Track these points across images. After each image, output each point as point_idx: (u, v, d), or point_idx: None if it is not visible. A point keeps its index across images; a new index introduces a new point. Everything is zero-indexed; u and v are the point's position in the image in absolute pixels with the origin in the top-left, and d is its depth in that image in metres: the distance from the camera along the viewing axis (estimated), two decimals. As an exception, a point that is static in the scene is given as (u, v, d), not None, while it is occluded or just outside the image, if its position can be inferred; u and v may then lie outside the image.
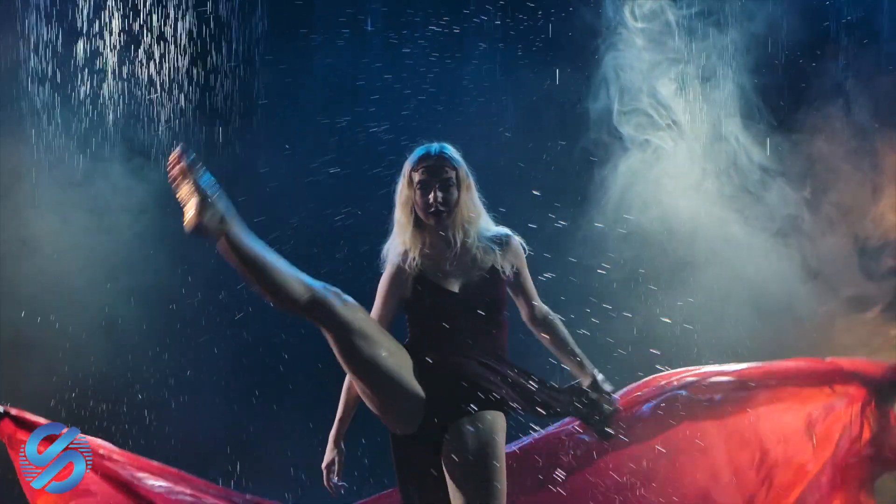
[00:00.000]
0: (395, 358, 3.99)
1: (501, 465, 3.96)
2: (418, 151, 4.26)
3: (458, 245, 4.22)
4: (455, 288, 4.20)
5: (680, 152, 6.80)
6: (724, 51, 6.81)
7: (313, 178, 7.12)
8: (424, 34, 7.25)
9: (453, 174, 4.21)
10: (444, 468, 3.97)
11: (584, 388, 4.38)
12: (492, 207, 4.43)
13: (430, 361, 4.08)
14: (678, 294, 6.96)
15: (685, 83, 6.83)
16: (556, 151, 7.10)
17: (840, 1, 6.82)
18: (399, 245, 4.28)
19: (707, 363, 6.82)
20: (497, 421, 4.03)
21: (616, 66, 6.83)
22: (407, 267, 4.24)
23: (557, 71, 7.07)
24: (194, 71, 7.09)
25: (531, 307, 4.50)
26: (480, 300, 4.20)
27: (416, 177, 4.21)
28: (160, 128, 7.11)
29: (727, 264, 6.85)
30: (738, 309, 6.84)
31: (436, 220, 4.21)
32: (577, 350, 4.49)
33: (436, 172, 4.20)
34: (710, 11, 6.80)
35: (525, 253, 4.39)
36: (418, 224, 4.25)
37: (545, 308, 4.53)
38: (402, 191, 4.27)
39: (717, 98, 6.83)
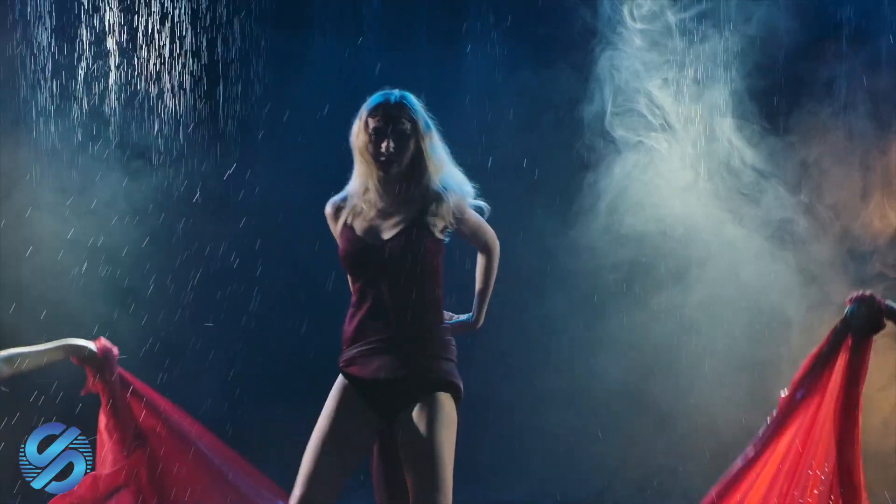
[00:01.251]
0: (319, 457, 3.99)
1: (444, 453, 3.92)
2: (376, 97, 4.06)
3: (399, 196, 4.06)
4: (378, 240, 4.04)
5: (674, 154, 6.81)
6: (719, 53, 6.83)
7: (307, 182, 7.14)
8: (421, 33, 7.26)
9: (409, 125, 4.02)
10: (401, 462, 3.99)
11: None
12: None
13: (367, 371, 4.04)
14: (673, 296, 6.99)
15: (680, 85, 6.85)
16: (551, 153, 7.11)
17: (835, 4, 6.84)
18: (349, 189, 4.15)
19: (702, 365, 6.91)
20: (439, 406, 3.99)
21: (612, 67, 6.84)
22: (332, 212, 4.14)
23: (553, 71, 7.06)
24: (193, 73, 7.11)
25: (479, 250, 4.25)
26: (403, 255, 4.00)
27: (372, 123, 4.02)
28: (160, 130, 7.13)
29: (721, 267, 6.87)
30: (731, 311, 6.86)
31: (385, 171, 4.02)
32: (482, 294, 4.27)
33: (391, 121, 4.01)
34: (707, 14, 6.81)
35: (473, 205, 4.14)
36: (369, 170, 4.08)
37: (490, 252, 4.25)
38: (357, 135, 4.07)
39: (713, 100, 6.85)
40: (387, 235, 4.04)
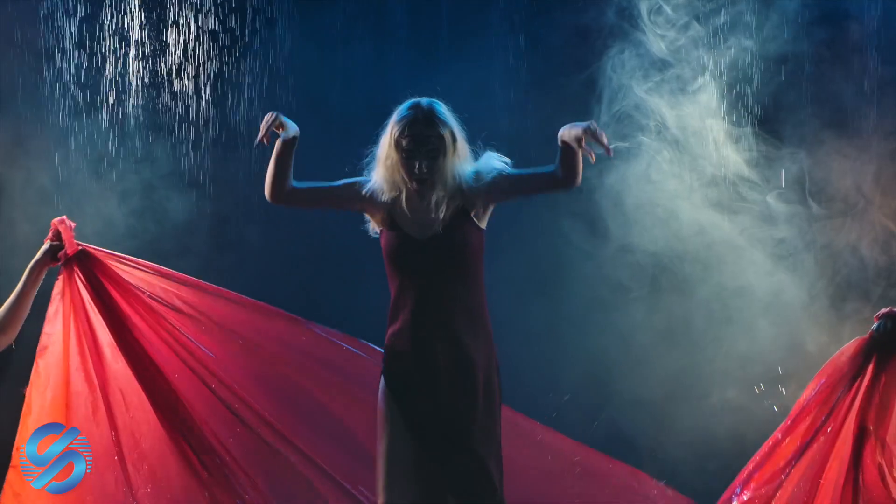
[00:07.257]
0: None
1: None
2: (406, 112, 4.21)
3: (434, 203, 4.21)
4: (422, 235, 4.22)
5: (676, 163, 6.82)
6: (725, 61, 6.83)
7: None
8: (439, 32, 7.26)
9: (438, 143, 4.17)
10: None
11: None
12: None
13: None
14: (675, 306, 6.99)
15: (682, 92, 6.84)
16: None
17: (842, 12, 6.82)
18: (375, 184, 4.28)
19: (704, 373, 6.90)
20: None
21: (613, 72, 6.83)
22: (370, 196, 4.27)
23: (558, 76, 7.04)
24: (209, 92, 7.12)
25: (547, 178, 4.27)
26: (448, 247, 4.19)
27: (403, 143, 4.17)
28: (174, 147, 7.13)
29: (725, 277, 6.87)
30: (729, 324, 6.85)
31: (419, 187, 4.20)
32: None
33: (423, 141, 4.17)
34: (715, 22, 6.81)
35: (498, 162, 4.27)
36: (400, 182, 4.25)
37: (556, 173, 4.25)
38: (386, 150, 4.24)
39: (718, 109, 6.84)
40: (431, 232, 4.20)
